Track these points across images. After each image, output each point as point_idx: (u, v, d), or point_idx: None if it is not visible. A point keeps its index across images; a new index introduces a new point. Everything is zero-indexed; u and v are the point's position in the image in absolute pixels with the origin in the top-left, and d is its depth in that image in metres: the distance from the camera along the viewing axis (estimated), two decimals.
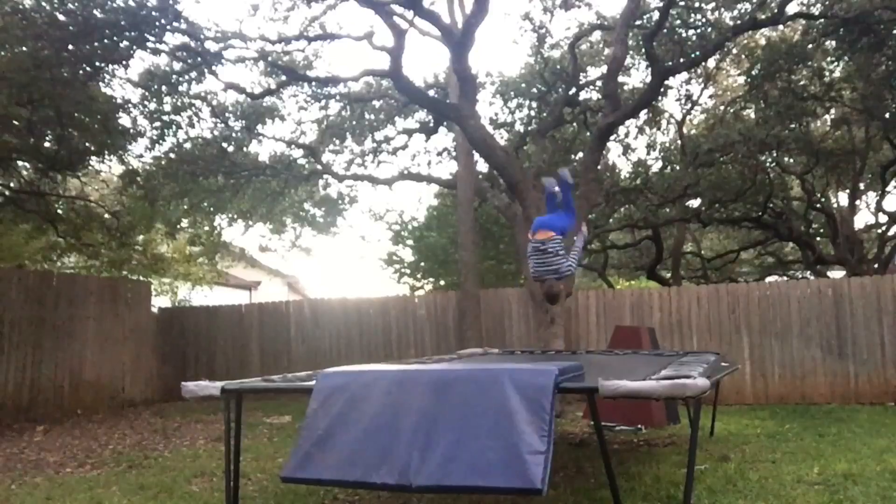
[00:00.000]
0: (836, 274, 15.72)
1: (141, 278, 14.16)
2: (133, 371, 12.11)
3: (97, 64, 9.75)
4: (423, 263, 17.75)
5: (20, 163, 10.95)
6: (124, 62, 10.09)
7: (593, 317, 10.96)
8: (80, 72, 9.53)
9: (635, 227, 15.87)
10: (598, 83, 12.91)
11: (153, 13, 9.23)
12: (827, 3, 10.68)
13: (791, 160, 14.88)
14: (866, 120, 12.97)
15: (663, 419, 8.10)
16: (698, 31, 11.71)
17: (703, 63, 12.68)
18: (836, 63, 12.37)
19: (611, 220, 15.90)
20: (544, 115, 13.35)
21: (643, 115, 13.87)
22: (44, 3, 8.91)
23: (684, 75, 13.68)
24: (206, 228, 15.73)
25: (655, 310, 10.69)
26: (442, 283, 17.51)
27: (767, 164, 14.21)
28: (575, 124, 14.16)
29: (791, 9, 10.41)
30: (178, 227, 14.92)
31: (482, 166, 13.25)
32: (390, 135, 14.68)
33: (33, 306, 10.46)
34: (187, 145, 12.94)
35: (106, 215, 12.37)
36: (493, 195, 12.53)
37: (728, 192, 13.92)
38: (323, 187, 15.71)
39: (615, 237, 18.56)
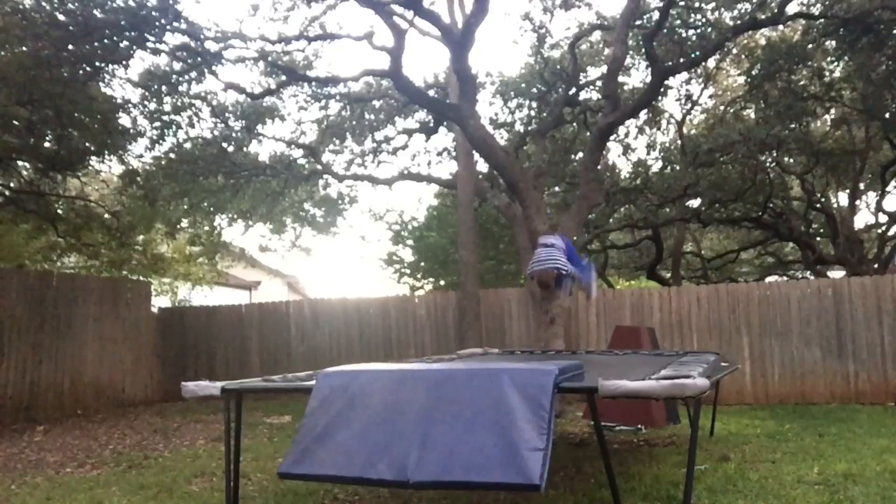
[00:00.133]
0: (836, 274, 15.72)
1: (141, 278, 14.16)
2: (133, 371, 12.12)
3: (97, 64, 9.75)
4: (423, 263, 17.77)
5: (20, 163, 10.95)
6: (124, 62, 10.09)
7: (593, 317, 10.96)
8: (80, 72, 9.53)
9: (635, 227, 15.87)
10: (598, 83, 12.91)
11: (153, 13, 9.22)
12: (827, 3, 10.68)
13: (791, 160, 14.87)
14: (866, 120, 12.97)
15: (663, 419, 8.10)
16: (698, 31, 11.70)
17: (703, 63, 12.68)
18: (836, 63, 12.37)
19: (611, 220, 15.90)
20: (544, 115, 13.35)
21: (643, 115, 13.87)
22: (44, 3, 8.91)
23: (684, 75, 13.69)
24: (206, 228, 15.73)
25: (655, 310, 10.69)
26: (442, 283, 17.52)
27: (767, 164, 14.20)
28: (575, 124, 14.16)
29: (791, 9, 10.41)
30: (178, 227, 14.92)
31: (482, 166, 13.25)
32: (390, 135, 14.69)
33: (33, 306, 10.47)
34: (187, 145, 12.95)
35: (106, 215, 12.37)
36: (493, 195, 12.53)
37: (728, 192, 13.91)
38: (323, 187, 15.71)
39: (615, 237, 18.57)
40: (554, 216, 12.45)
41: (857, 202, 16.39)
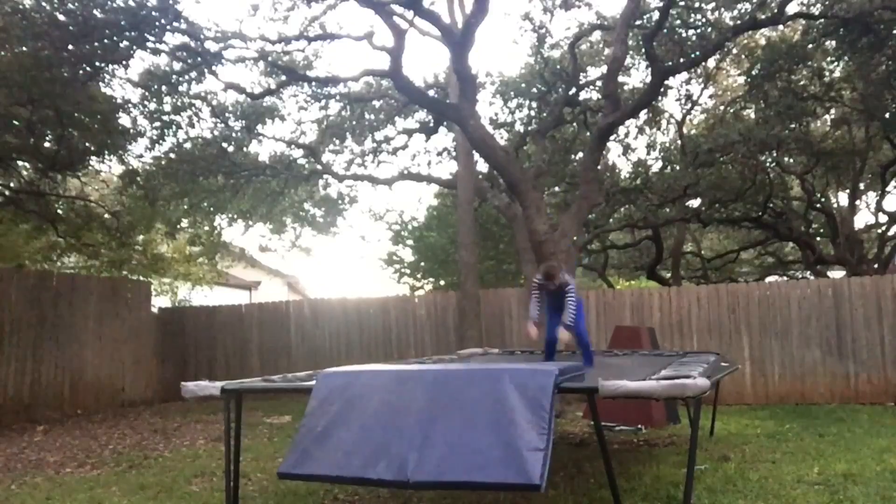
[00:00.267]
0: (836, 274, 15.71)
1: (141, 278, 14.16)
2: (133, 371, 12.12)
3: (97, 64, 9.75)
4: (423, 263, 17.77)
5: (20, 163, 10.95)
6: (124, 62, 10.09)
7: (593, 317, 10.95)
8: (80, 72, 9.53)
9: (635, 227, 15.86)
10: (598, 83, 12.91)
11: (153, 13, 9.22)
12: (827, 3, 10.67)
13: (791, 160, 14.87)
14: (866, 120, 12.96)
15: (663, 419, 8.10)
16: (698, 31, 11.70)
17: (703, 63, 12.67)
18: (836, 63, 12.36)
19: (611, 220, 15.89)
20: (544, 115, 13.34)
21: (643, 115, 13.86)
22: (44, 3, 8.91)
23: (684, 75, 13.67)
24: (206, 228, 15.72)
25: (655, 310, 10.69)
26: (442, 283, 17.52)
27: (767, 164, 14.20)
28: (575, 124, 14.15)
29: (791, 9, 10.40)
30: (178, 227, 14.92)
31: (482, 166, 13.24)
32: (390, 135, 14.69)
33: (33, 306, 10.47)
34: (187, 145, 12.94)
35: (106, 215, 12.36)
36: (493, 195, 12.53)
37: (728, 192, 13.91)
38: (323, 187, 15.71)
39: (615, 237, 18.56)
40: (554, 216, 12.45)
41: (857, 202, 16.39)
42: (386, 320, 12.15)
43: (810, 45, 11.48)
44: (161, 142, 12.42)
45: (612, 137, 12.71)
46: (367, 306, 12.38)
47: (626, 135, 14.99)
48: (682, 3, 11.37)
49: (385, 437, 3.51)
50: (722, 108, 15.24)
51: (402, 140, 14.79)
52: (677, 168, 13.99)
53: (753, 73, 12.40)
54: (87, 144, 10.65)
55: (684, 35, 11.75)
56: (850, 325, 9.88)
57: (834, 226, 15.46)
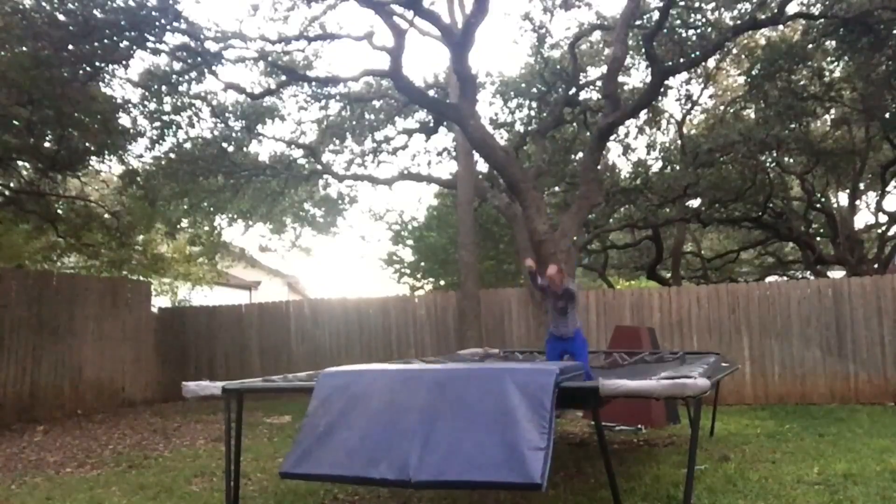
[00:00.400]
0: (836, 274, 15.72)
1: (141, 278, 14.16)
2: (133, 371, 12.12)
3: (97, 64, 9.75)
4: (423, 263, 17.76)
5: (20, 163, 10.94)
6: (124, 62, 10.09)
7: (593, 317, 10.95)
8: (80, 72, 9.53)
9: (635, 227, 15.87)
10: (598, 83, 12.91)
11: (153, 13, 9.23)
12: (827, 3, 10.68)
13: (791, 160, 14.87)
14: (866, 120, 12.96)
15: (663, 419, 8.10)
16: (698, 31, 11.70)
17: (703, 63, 12.68)
18: (836, 63, 12.37)
19: (611, 220, 15.90)
20: (544, 115, 13.35)
21: (643, 115, 13.87)
22: (44, 3, 8.91)
23: (684, 75, 13.68)
24: (206, 228, 15.73)
25: (655, 310, 10.69)
26: (442, 283, 17.51)
27: (767, 164, 14.21)
28: (575, 124, 14.16)
29: (791, 9, 10.41)
30: (178, 227, 14.92)
31: (482, 166, 13.25)
32: (390, 135, 14.70)
33: (33, 306, 10.46)
34: (187, 145, 12.95)
35: (106, 215, 12.36)
36: (493, 195, 12.53)
37: (728, 192, 13.92)
38: (323, 187, 15.72)
39: (615, 237, 18.57)
40: (554, 216, 12.45)
41: (857, 202, 16.40)
42: (386, 320, 12.15)
43: (810, 45, 11.48)
44: (161, 142, 12.43)
45: (612, 137, 12.72)
46: (367, 306, 12.38)
47: (626, 135, 15.00)
48: (682, 3, 11.38)
49: (386, 437, 3.51)
50: (722, 108, 15.24)
51: (402, 140, 14.81)
52: (677, 168, 14.00)
53: (753, 73, 12.40)
54: (87, 144, 10.64)
55: (684, 35, 11.75)
56: (850, 325, 9.87)
57: (834, 226, 15.46)
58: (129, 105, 11.48)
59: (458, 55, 9.49)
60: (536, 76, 13.35)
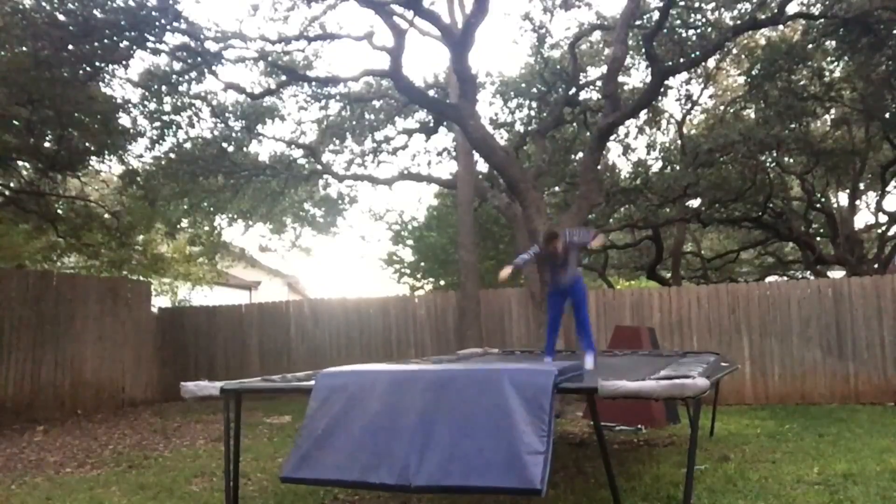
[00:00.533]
0: (836, 274, 15.71)
1: (141, 278, 14.16)
2: (133, 371, 12.12)
3: (97, 64, 9.74)
4: (423, 263, 17.75)
5: (20, 163, 10.94)
6: (124, 62, 10.09)
7: (593, 317, 10.93)
8: (80, 72, 9.53)
9: (635, 227, 15.86)
10: (598, 83, 12.90)
11: (153, 13, 9.22)
12: (827, 3, 10.67)
13: (791, 160, 14.87)
14: (866, 120, 12.96)
15: (663, 419, 8.10)
16: (698, 31, 11.70)
17: (703, 63, 12.67)
18: (836, 63, 12.36)
19: (611, 220, 15.89)
20: (544, 115, 13.34)
21: (643, 115, 13.86)
22: (44, 3, 8.91)
23: (684, 75, 13.67)
24: (206, 228, 15.73)
25: (655, 310, 10.69)
26: (442, 283, 17.51)
27: (767, 164, 14.20)
28: (575, 124, 14.15)
29: (791, 9, 10.40)
30: (178, 227, 14.92)
31: (482, 166, 13.24)
32: (390, 135, 14.69)
33: (33, 306, 10.47)
34: (187, 145, 12.95)
35: (106, 215, 12.36)
36: (493, 195, 12.52)
37: (728, 192, 13.90)
38: (323, 187, 15.71)
39: (615, 237, 18.55)
40: (554, 216, 12.44)
41: (857, 202, 16.39)
42: (386, 320, 12.15)
43: (810, 45, 11.48)
44: (161, 142, 12.43)
45: (612, 137, 12.71)
46: (367, 306, 12.38)
47: (626, 135, 15.00)
48: (682, 3, 11.37)
49: (386, 440, 3.51)
50: (722, 108, 15.24)
51: (402, 140, 14.80)
52: (677, 168, 13.98)
53: (753, 73, 12.39)
54: (87, 144, 10.65)
55: (684, 35, 11.75)
56: (850, 325, 9.87)
57: (834, 226, 15.46)
58: (129, 105, 11.48)
59: (458, 55, 9.49)
60: (536, 76, 13.35)
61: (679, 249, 17.68)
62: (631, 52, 12.33)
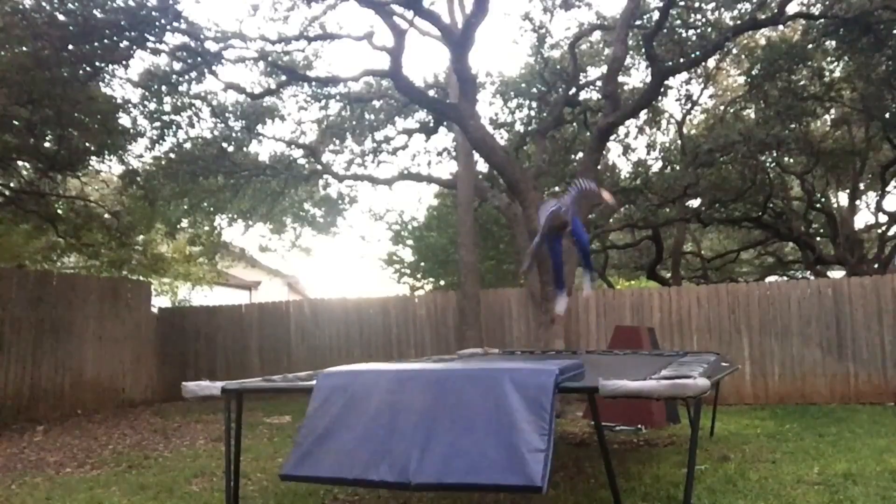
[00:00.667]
0: (836, 274, 15.72)
1: (141, 278, 14.15)
2: (133, 371, 12.12)
3: (97, 64, 9.74)
4: (423, 263, 17.76)
5: (20, 163, 10.95)
6: (124, 62, 10.09)
7: (593, 317, 10.96)
8: (80, 72, 9.53)
9: (635, 227, 15.87)
10: (598, 83, 12.91)
11: (153, 13, 9.22)
12: (827, 3, 10.68)
13: (791, 160, 14.87)
14: (866, 120, 12.96)
15: (663, 419, 8.10)
16: (698, 31, 11.70)
17: (703, 63, 12.68)
18: (836, 63, 12.37)
19: (611, 220, 15.89)
20: (544, 115, 13.34)
21: (643, 115, 13.87)
22: (44, 3, 8.91)
23: (684, 75, 13.67)
24: (206, 228, 15.72)
25: (655, 310, 10.69)
26: (442, 283, 17.51)
27: (767, 164, 14.20)
28: (575, 124, 14.15)
29: (791, 9, 10.40)
30: (178, 227, 14.92)
31: (482, 166, 13.24)
32: (390, 135, 14.68)
33: (33, 306, 10.46)
34: (187, 145, 12.94)
35: (106, 215, 12.36)
36: (493, 195, 12.53)
37: (728, 192, 13.91)
38: (323, 187, 15.71)
39: (615, 237, 18.57)
40: None
41: (857, 202, 16.40)
42: (386, 320, 12.15)
43: (810, 45, 11.48)
44: (161, 142, 12.42)
45: (612, 137, 12.72)
46: (367, 306, 12.38)
47: (626, 135, 15.00)
48: (682, 3, 11.37)
49: (386, 439, 3.51)
50: (722, 108, 15.24)
51: (402, 140, 14.80)
52: (677, 168, 13.99)
53: (753, 73, 12.40)
54: (87, 144, 10.64)
55: (684, 35, 11.75)
56: (850, 325, 9.88)
57: (834, 226, 15.47)
58: (129, 105, 11.48)
59: (458, 55, 9.49)
60: (536, 76, 13.35)
61: (679, 249, 17.68)
62: (631, 52, 12.33)
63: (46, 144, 10.42)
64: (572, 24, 20.22)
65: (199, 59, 10.56)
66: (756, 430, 7.66)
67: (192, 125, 12.57)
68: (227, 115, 12.91)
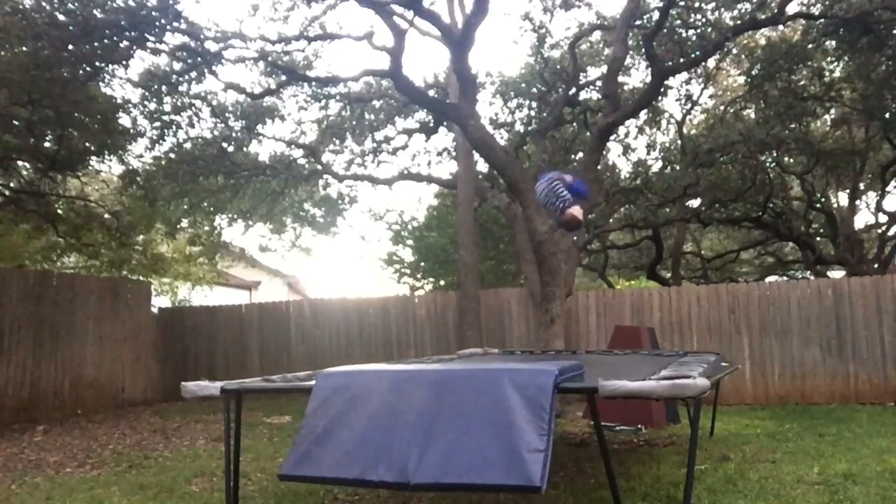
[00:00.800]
0: (836, 274, 15.71)
1: (141, 278, 14.16)
2: (133, 371, 12.12)
3: (97, 64, 9.74)
4: (423, 263, 17.76)
5: (20, 163, 10.95)
6: (124, 62, 10.09)
7: (593, 317, 10.96)
8: (80, 72, 9.53)
9: (635, 227, 15.85)
10: (598, 83, 12.90)
11: (153, 13, 9.22)
12: (827, 3, 10.68)
13: (791, 160, 14.87)
14: (866, 120, 12.96)
15: (663, 419, 8.10)
16: (698, 31, 11.69)
17: (703, 63, 12.67)
18: (836, 63, 12.36)
19: (611, 220, 15.88)
20: (544, 115, 13.34)
21: (643, 115, 13.86)
22: (44, 3, 8.91)
23: (684, 75, 13.66)
24: (206, 228, 15.73)
25: (655, 310, 10.69)
26: (442, 283, 17.51)
27: (767, 164, 14.20)
28: (575, 124, 14.15)
29: (791, 9, 10.40)
30: (178, 227, 14.92)
31: (482, 166, 13.24)
32: (390, 135, 14.69)
33: (33, 306, 10.46)
34: (187, 145, 12.95)
35: (106, 215, 12.36)
36: (493, 195, 12.53)
37: (728, 192, 13.90)
38: (323, 187, 15.71)
39: (615, 237, 18.56)
40: None
41: (857, 202, 16.39)
42: (386, 320, 12.15)
43: (810, 45, 11.47)
44: (161, 142, 12.43)
45: (612, 137, 12.71)
46: (367, 306, 12.38)
47: (626, 135, 14.99)
48: (682, 3, 11.37)
49: (385, 439, 3.51)
50: (722, 108, 15.24)
51: (402, 140, 14.80)
52: (677, 168, 13.98)
53: (753, 73, 12.40)
54: (87, 144, 10.65)
55: (684, 35, 11.74)
56: (850, 325, 9.88)
57: (834, 226, 15.46)
58: (129, 105, 11.49)
59: (458, 55, 9.49)
60: (536, 76, 13.34)
61: (679, 249, 17.68)
62: (631, 52, 12.33)
63: (46, 144, 10.43)
64: (572, 24, 20.27)
65: (199, 59, 10.56)
66: (756, 430, 7.66)
67: (192, 125, 12.59)
68: (227, 115, 12.91)
